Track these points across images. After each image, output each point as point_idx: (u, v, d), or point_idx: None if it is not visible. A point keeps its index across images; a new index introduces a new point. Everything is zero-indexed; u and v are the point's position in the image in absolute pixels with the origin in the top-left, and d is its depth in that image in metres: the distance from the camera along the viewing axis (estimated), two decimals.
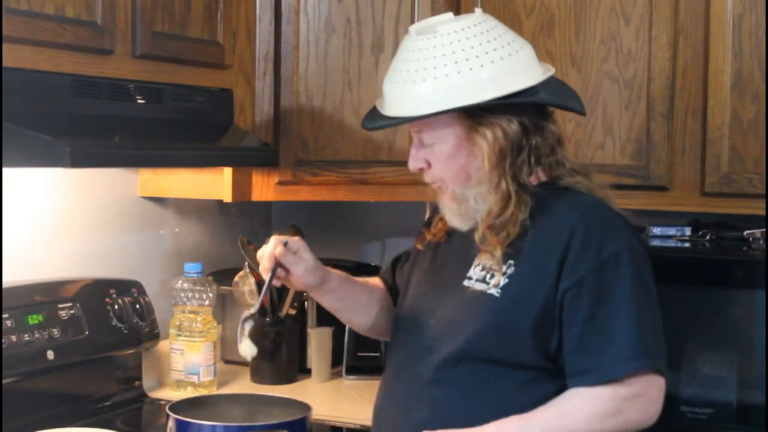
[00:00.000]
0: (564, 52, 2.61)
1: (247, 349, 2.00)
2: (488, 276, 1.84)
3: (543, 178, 1.89)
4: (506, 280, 1.81)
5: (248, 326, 2.00)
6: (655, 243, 2.52)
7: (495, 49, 1.80)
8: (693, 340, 2.38)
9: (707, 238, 2.53)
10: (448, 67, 1.78)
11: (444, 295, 1.91)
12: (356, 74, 2.68)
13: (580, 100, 1.95)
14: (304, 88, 2.67)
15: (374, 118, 1.91)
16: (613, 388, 1.75)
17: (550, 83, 1.86)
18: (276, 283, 1.99)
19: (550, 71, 1.87)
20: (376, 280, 2.20)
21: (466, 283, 1.87)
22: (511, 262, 1.82)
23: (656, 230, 2.57)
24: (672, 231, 2.56)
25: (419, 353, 1.89)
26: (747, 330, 2.33)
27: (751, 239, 2.46)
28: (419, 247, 2.06)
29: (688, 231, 2.56)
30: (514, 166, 1.83)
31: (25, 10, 1.95)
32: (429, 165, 1.90)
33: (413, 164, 1.92)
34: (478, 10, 1.87)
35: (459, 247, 1.94)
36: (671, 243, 2.52)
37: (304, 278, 1.99)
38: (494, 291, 1.82)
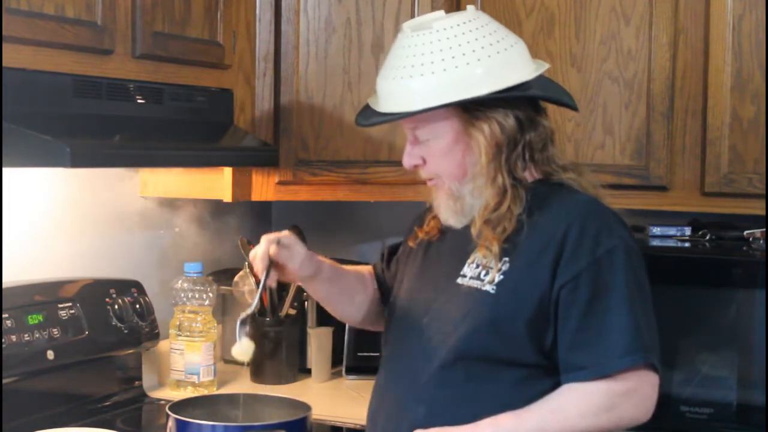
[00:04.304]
0: (564, 52, 2.61)
1: (244, 348, 1.95)
2: (483, 273, 1.84)
3: (536, 175, 1.89)
4: (501, 276, 1.81)
5: (246, 327, 1.97)
6: (655, 243, 2.52)
7: (491, 44, 1.80)
8: (693, 340, 2.38)
9: (707, 238, 2.53)
10: (444, 62, 1.78)
11: (437, 293, 1.91)
12: (356, 74, 2.68)
13: (571, 97, 1.98)
14: (304, 88, 2.67)
15: (368, 114, 1.91)
16: (607, 383, 1.76)
17: (540, 81, 1.87)
18: (271, 283, 1.98)
19: (543, 66, 1.87)
20: (366, 268, 2.20)
21: (459, 280, 1.87)
22: (506, 258, 1.82)
23: (656, 230, 2.57)
24: (672, 231, 2.57)
25: (414, 353, 1.89)
26: (747, 330, 2.33)
27: (751, 239, 2.46)
28: (411, 245, 2.06)
29: (688, 231, 2.56)
30: (509, 160, 1.84)
31: (25, 10, 1.95)
32: (424, 161, 1.90)
33: (408, 161, 1.92)
34: (470, 7, 1.87)
35: (452, 245, 1.94)
36: (671, 243, 2.52)
37: (301, 271, 2.00)
38: (489, 287, 1.82)
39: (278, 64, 2.65)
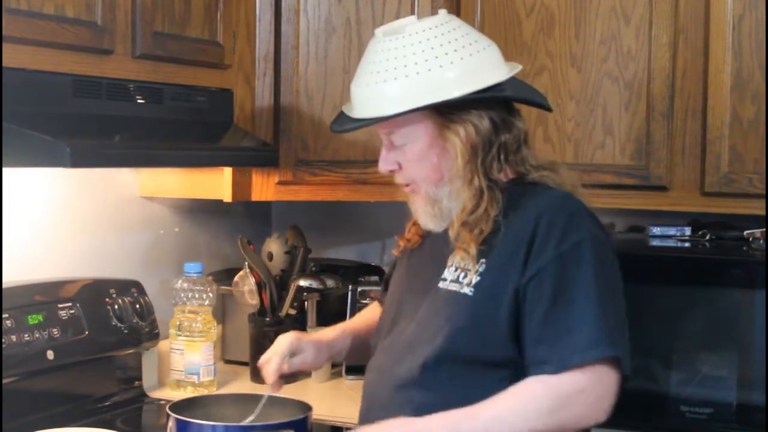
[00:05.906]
0: (564, 52, 2.61)
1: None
2: (461, 275, 1.84)
3: (510, 175, 1.90)
4: (478, 278, 1.82)
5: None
6: (655, 243, 2.52)
7: (463, 47, 1.81)
8: (693, 340, 2.38)
9: (707, 238, 2.53)
10: (417, 66, 1.79)
11: (421, 298, 1.92)
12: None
13: (544, 98, 1.98)
14: (304, 88, 2.67)
15: (343, 121, 1.91)
16: (570, 376, 1.73)
17: (514, 82, 1.87)
18: (277, 390, 2.14)
19: (516, 68, 1.88)
20: (377, 309, 2.21)
21: (440, 284, 1.88)
22: (483, 260, 1.82)
23: (656, 230, 2.57)
24: (672, 231, 2.56)
25: (399, 356, 1.90)
26: (747, 330, 2.33)
27: (751, 239, 2.46)
28: (396, 253, 2.09)
29: (688, 231, 2.56)
30: (485, 162, 1.84)
31: (25, 10, 1.95)
32: (400, 167, 1.90)
33: (383, 166, 1.92)
34: (442, 11, 1.87)
35: (433, 250, 1.95)
36: (671, 243, 2.52)
37: (314, 364, 2.19)
38: (467, 290, 1.82)
39: (278, 64, 2.65)
